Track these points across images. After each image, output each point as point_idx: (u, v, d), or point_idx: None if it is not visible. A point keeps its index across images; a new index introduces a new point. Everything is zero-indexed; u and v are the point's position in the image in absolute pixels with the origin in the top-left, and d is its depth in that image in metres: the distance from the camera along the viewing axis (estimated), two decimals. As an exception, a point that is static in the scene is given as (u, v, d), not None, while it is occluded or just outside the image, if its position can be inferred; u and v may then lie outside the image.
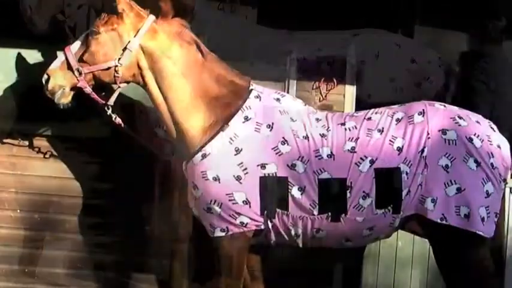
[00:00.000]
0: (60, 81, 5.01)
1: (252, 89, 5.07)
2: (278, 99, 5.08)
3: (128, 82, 5.11)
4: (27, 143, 6.29)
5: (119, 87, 5.09)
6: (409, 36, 8.07)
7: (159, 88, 5.03)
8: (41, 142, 6.28)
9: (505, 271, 6.05)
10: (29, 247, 6.31)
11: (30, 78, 6.19)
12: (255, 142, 4.87)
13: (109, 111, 5.15)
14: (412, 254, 6.61)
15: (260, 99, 5.02)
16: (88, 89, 5.02)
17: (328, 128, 4.97)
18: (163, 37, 5.01)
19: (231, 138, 4.87)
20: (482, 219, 4.74)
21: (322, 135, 4.92)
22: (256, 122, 4.91)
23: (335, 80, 6.44)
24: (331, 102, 6.45)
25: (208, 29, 6.41)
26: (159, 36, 5.01)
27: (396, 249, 6.62)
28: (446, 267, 4.95)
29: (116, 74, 4.97)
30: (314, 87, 6.46)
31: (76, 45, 5.04)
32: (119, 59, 4.95)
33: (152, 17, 5.05)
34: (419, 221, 4.89)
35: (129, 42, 4.97)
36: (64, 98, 5.05)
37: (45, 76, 5.03)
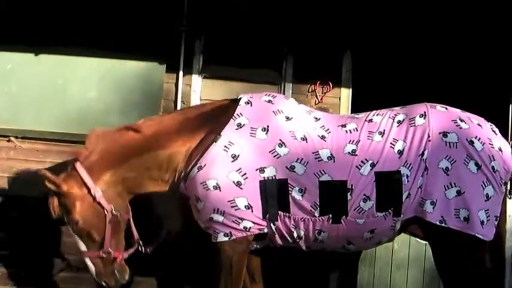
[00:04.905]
0: (110, 275, 5.12)
1: (240, 98, 5.09)
2: (270, 101, 5.08)
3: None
4: (24, 146, 6.26)
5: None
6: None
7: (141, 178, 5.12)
8: (38, 145, 6.26)
9: (505, 273, 6.11)
10: (25, 251, 6.28)
11: (27, 82, 6.20)
12: (251, 147, 4.88)
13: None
14: (408, 256, 6.65)
15: (251, 105, 5.03)
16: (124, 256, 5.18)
17: (328, 129, 4.97)
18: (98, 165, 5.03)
19: (225, 146, 4.86)
20: (482, 223, 4.73)
21: (322, 137, 4.91)
22: (251, 127, 4.92)
23: (331, 83, 6.44)
24: (327, 105, 6.47)
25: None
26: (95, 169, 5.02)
27: (392, 251, 6.66)
28: (445, 270, 4.94)
29: (122, 214, 5.08)
30: (310, 90, 6.47)
31: (82, 245, 5.08)
32: (107, 213, 5.00)
33: (78, 164, 5.02)
34: (420, 224, 4.88)
35: (94, 198, 4.99)
36: (121, 276, 5.19)
37: (103, 283, 5.12)
